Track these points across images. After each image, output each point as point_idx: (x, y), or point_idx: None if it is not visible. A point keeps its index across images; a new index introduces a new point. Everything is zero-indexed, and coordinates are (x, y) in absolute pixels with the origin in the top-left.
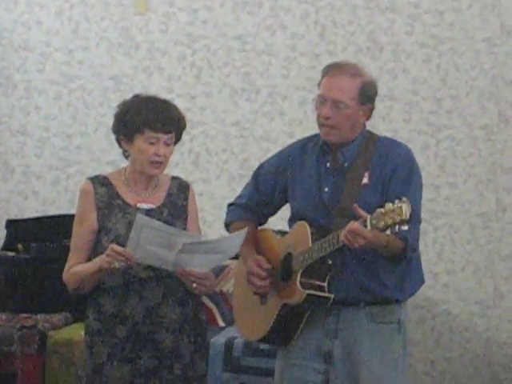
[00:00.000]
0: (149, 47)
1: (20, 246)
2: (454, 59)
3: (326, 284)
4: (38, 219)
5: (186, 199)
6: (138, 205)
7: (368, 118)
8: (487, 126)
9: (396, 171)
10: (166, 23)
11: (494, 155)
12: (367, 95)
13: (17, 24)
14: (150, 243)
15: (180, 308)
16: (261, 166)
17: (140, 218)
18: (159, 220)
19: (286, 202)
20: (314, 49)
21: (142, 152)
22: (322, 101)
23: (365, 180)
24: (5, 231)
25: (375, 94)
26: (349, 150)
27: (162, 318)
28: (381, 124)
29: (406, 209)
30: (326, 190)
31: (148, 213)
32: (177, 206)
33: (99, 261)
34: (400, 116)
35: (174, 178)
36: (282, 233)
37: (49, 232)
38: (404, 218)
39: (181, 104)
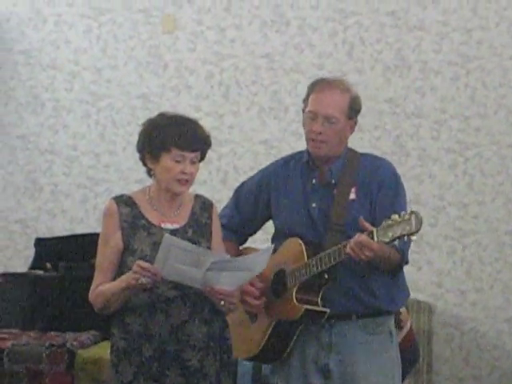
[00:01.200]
0: (177, 66)
1: (48, 265)
2: (482, 77)
3: (319, 299)
4: (66, 238)
5: (210, 218)
6: (163, 225)
7: (352, 131)
8: None
9: (383, 186)
10: (194, 42)
11: None
12: (355, 110)
13: (45, 43)
14: (177, 262)
15: (206, 326)
16: (242, 186)
17: (167, 237)
18: (184, 239)
19: (267, 220)
20: (342, 67)
21: (169, 170)
22: (312, 117)
23: (352, 195)
24: (33, 250)
25: (360, 107)
26: (336, 167)
27: (189, 337)
28: (409, 142)
29: (415, 220)
30: (314, 205)
31: (173, 233)
32: (201, 224)
33: (126, 278)
34: (428, 134)
35: (197, 197)
36: None
37: (77, 250)
38: (414, 229)
39: (209, 122)
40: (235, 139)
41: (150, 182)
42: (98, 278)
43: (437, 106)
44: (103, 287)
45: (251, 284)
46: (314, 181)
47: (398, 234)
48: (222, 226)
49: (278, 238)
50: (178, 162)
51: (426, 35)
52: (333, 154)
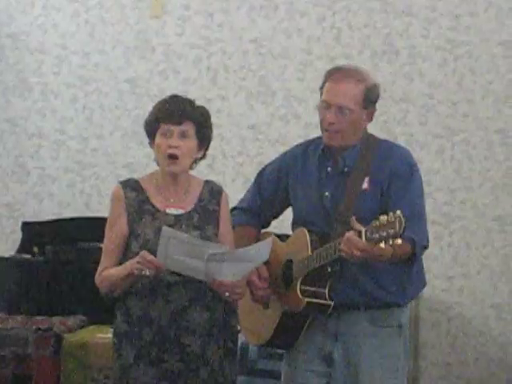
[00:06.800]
0: (165, 50)
1: (35, 249)
2: (469, 63)
3: (326, 291)
4: (53, 222)
5: (218, 204)
6: (167, 210)
7: (370, 121)
8: (503, 129)
9: (395, 175)
10: (182, 26)
11: (509, 159)
12: (371, 99)
13: (33, 27)
14: (177, 253)
15: (208, 312)
16: (263, 170)
17: (165, 230)
18: (189, 225)
19: (289, 205)
20: (330, 52)
21: (159, 147)
22: (326, 106)
23: (365, 185)
24: (20, 233)
25: (378, 96)
26: (350, 155)
27: (189, 322)
28: (397, 127)
29: (398, 224)
30: (327, 194)
31: (177, 218)
32: (208, 210)
33: (129, 266)
34: (416, 119)
35: (207, 182)
36: (286, 237)
37: (64, 235)
38: (397, 231)
39: None
40: (223, 124)
41: (138, 166)
42: (104, 261)
43: (425, 92)
44: (108, 272)
45: (256, 274)
46: (328, 169)
47: (383, 235)
48: (243, 209)
49: (295, 225)
50: (165, 136)
51: (414, 20)
52: (347, 143)
